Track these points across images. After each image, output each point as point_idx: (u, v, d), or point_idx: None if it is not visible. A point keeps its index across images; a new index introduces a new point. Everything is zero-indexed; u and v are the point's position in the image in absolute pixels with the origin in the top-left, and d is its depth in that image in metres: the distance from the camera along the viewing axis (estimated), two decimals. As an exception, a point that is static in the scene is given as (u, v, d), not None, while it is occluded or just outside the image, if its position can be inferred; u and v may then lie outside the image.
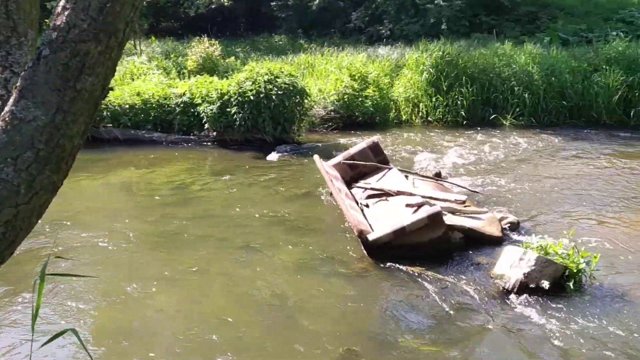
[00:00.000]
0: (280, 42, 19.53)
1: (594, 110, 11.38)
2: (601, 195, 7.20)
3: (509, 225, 5.90)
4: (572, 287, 4.63)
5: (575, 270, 4.70)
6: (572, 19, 18.39)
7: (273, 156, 9.34)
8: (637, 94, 11.13)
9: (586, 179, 7.86)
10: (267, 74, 9.76)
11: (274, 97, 9.50)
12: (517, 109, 11.36)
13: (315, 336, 4.19)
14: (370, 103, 11.50)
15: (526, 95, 11.31)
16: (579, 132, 10.75)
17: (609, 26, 16.71)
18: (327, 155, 8.07)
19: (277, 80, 9.70)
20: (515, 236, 5.76)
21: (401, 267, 5.14)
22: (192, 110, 10.43)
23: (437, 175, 7.52)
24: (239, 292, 4.83)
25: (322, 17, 21.73)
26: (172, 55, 14.54)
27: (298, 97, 9.94)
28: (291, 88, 9.77)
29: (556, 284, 4.66)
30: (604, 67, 11.54)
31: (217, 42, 14.44)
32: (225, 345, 4.01)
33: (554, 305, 4.46)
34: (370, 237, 5.20)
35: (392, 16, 19.61)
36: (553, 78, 11.49)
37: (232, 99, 9.72)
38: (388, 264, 5.19)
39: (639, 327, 4.18)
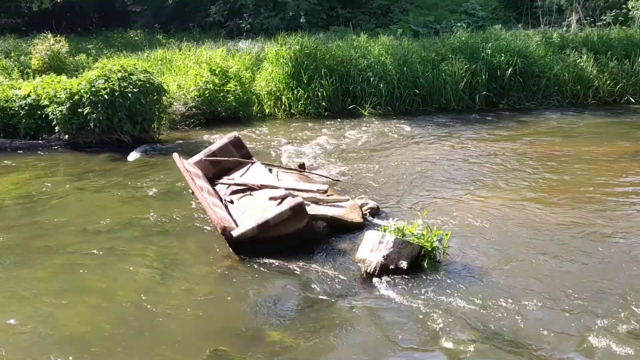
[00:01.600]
0: (136, 38, 18.77)
1: (443, 97, 12.14)
2: (454, 176, 7.67)
3: (369, 210, 6.11)
4: (427, 265, 4.90)
5: (429, 249, 4.97)
6: (422, 11, 19.53)
7: (132, 157, 8.94)
8: (479, 80, 12.02)
9: (440, 162, 8.34)
10: (120, 71, 9.29)
11: (129, 95, 9.07)
12: (375, 99, 11.82)
13: (182, 340, 4.06)
14: (232, 98, 11.39)
15: (382, 85, 11.80)
16: (432, 118, 11.41)
17: (454, 18, 17.95)
18: (189, 153, 7.85)
19: (132, 77, 9.27)
20: (375, 221, 5.97)
21: (267, 261, 5.13)
22: (39, 112, 9.68)
23: (301, 167, 7.60)
24: (96, 304, 4.55)
25: (179, 12, 21.16)
26: (12, 54, 13.37)
27: (155, 94, 9.59)
28: (147, 85, 9.40)
29: (414, 263, 4.90)
30: (450, 56, 12.33)
31: (63, 38, 13.49)
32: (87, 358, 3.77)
33: (412, 284, 4.68)
34: (235, 233, 5.14)
35: (251, 10, 19.57)
36: (405, 68, 12.08)
37: (83, 99, 9.13)
38: (254, 259, 5.16)
39: (489, 297, 4.49)
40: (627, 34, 13.13)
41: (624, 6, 14.45)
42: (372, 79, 11.86)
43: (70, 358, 3.80)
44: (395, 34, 15.09)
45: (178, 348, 3.95)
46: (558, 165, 8.02)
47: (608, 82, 12.37)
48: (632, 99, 12.22)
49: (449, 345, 3.92)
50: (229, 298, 4.66)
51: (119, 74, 9.25)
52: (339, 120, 11.42)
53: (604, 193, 6.84)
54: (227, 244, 5.31)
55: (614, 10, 14.37)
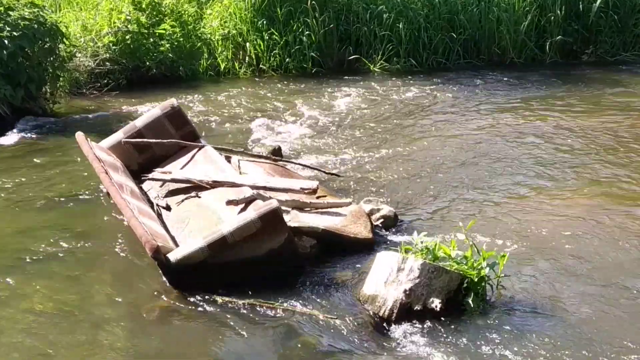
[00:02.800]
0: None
1: (496, 44, 12.15)
2: (511, 166, 7.69)
3: (382, 220, 6.11)
4: (473, 304, 4.90)
5: (476, 279, 4.96)
6: None
7: (11, 137, 8.90)
8: (552, 18, 12.05)
9: (490, 146, 8.36)
10: (-7, 5, 9.24)
11: (6, 42, 9.00)
12: (389, 47, 11.80)
13: None
14: (168, 46, 11.34)
15: (400, 25, 11.78)
16: (478, 76, 11.44)
17: None
18: (102, 132, 7.84)
19: (10, 14, 9.20)
20: (391, 236, 5.99)
21: (224, 299, 5.10)
22: None
23: (276, 153, 7.60)
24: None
25: None
26: None
27: (48, 40, 9.52)
28: (35, 26, 9.33)
29: (452, 301, 4.90)
30: (506, -19, 12.38)
31: None
32: None
33: (449, 336, 4.67)
34: (172, 256, 5.11)
35: None
36: (437, 0, 12.09)
37: None
38: (203, 296, 5.14)
39: (567, 349, 4.52)
40: None
41: None
42: (385, 16, 11.84)
43: None
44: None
45: None
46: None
47: None
48: None
49: None
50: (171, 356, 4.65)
51: (-9, 10, 9.20)
52: (334, 80, 11.42)
53: None
54: (162, 272, 5.30)
55: None
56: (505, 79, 11.27)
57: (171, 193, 6.30)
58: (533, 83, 11.08)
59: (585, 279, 5.38)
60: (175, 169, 6.69)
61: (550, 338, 4.68)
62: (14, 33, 9.07)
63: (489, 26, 12.14)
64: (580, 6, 12.17)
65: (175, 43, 11.53)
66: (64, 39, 10.02)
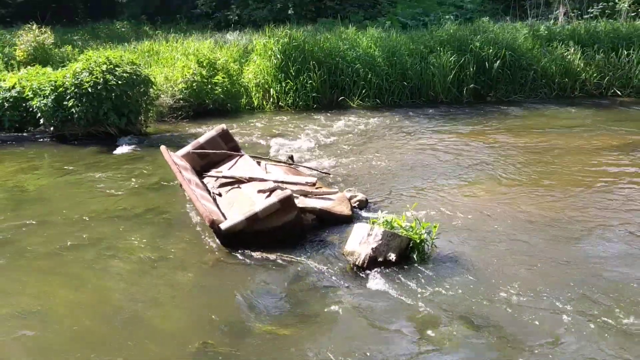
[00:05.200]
0: (123, 29, 18.59)
1: (432, 89, 12.15)
2: (443, 169, 7.70)
3: (358, 203, 6.12)
4: (416, 257, 4.92)
5: (418, 241, 4.98)
6: (410, 3, 19.51)
7: (119, 150, 8.88)
8: (467, 73, 12.04)
9: (429, 155, 8.36)
10: (105, 63, 9.20)
11: (114, 87, 8.98)
12: (363, 91, 11.81)
13: (169, 333, 4.05)
14: (220, 90, 11.33)
15: (370, 77, 11.79)
16: (420, 110, 11.42)
17: (442, 10, 17.95)
18: (177, 146, 7.83)
19: (117, 69, 9.18)
20: (364, 213, 5.99)
21: (256, 254, 5.13)
22: (24, 104, 9.58)
23: (290, 160, 7.60)
24: (85, 298, 4.53)
25: (167, 3, 21.02)
26: (-4, 45, 13.22)
27: (142, 86, 9.51)
28: (134, 77, 9.32)
29: (402, 255, 4.92)
30: (438, 48, 12.33)
31: (49, 29, 13.33)
32: (74, 353, 3.75)
33: (401, 276, 4.70)
34: (223, 226, 5.12)
35: (239, 1, 19.46)
36: (394, 60, 12.07)
37: (68, 91, 9.04)
38: (243, 252, 5.15)
39: (476, 289, 4.53)
40: (614, 27, 13.20)
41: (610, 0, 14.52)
42: (360, 71, 11.84)
43: (56, 354, 3.78)
44: (384, 26, 15.08)
45: (166, 342, 3.94)
46: (546, 159, 8.06)
47: (595, 74, 12.44)
48: (618, 92, 12.30)
49: (436, 336, 3.95)
50: (217, 291, 4.66)
51: (104, 66, 9.16)
52: (327, 112, 11.41)
53: (592, 186, 6.89)
54: (216, 237, 5.31)
55: (601, 4, 14.43)
56: (437, 113, 11.26)
57: (222, 185, 6.30)
58: (455, 115, 11.06)
59: (491, 241, 5.39)
60: (225, 170, 6.69)
61: (467, 277, 4.71)
62: (120, 82, 9.06)
63: (427, 78, 12.13)
64: (486, 65, 12.14)
65: (225, 88, 11.53)
66: (153, 85, 10.01)
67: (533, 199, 6.47)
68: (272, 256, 5.09)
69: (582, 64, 12.54)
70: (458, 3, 18.83)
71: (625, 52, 12.42)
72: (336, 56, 12.09)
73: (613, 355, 3.70)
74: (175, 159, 6.47)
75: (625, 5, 14.14)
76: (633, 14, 13.94)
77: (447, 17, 15.78)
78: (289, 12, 18.12)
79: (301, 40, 12.13)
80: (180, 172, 6.00)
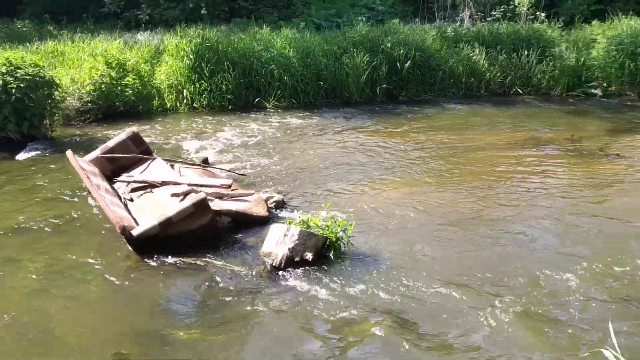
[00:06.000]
0: (24, 29, 17.59)
1: (346, 89, 12.32)
2: (358, 167, 7.81)
3: (274, 204, 6.11)
4: (332, 255, 4.96)
5: (334, 240, 5.03)
6: (324, 5, 19.69)
7: (22, 155, 8.40)
8: (380, 73, 12.30)
9: (344, 154, 8.46)
10: (4, 65, 8.66)
11: (14, 90, 8.47)
12: (279, 92, 11.79)
13: (81, 345, 3.87)
14: (131, 91, 10.95)
15: (285, 78, 11.79)
16: (335, 110, 11.55)
17: (354, 12, 18.25)
18: (85, 150, 7.49)
19: (18, 71, 8.67)
20: (281, 214, 5.98)
21: (171, 259, 5.00)
22: None
23: (204, 162, 7.48)
24: (-16, 314, 4.24)
25: (72, 1, 20.08)
26: None
27: (46, 88, 9.04)
28: (37, 79, 8.83)
29: (319, 254, 4.95)
30: (351, 49, 12.52)
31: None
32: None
33: (318, 275, 4.73)
34: (135, 232, 4.96)
35: (149, 1, 18.92)
36: (309, 61, 12.14)
37: (-37, 95, 8.46)
38: (157, 258, 5.01)
39: (392, 283, 4.63)
40: (514, 29, 13.90)
41: (511, 2, 15.26)
42: (275, 72, 11.81)
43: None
44: (298, 26, 15.12)
45: (77, 354, 3.77)
46: (457, 155, 8.37)
47: (498, 74, 13.06)
48: (519, 90, 12.97)
49: (355, 332, 4.01)
50: (130, 300, 4.50)
51: (4, 68, 8.63)
52: (243, 113, 11.30)
53: (498, 180, 7.23)
54: (128, 244, 5.13)
55: (502, 7, 15.15)
56: (352, 112, 11.41)
57: (133, 190, 6.09)
58: (369, 114, 11.26)
59: (406, 236, 5.53)
60: (136, 174, 6.48)
61: (383, 273, 4.80)
62: (21, 84, 8.56)
63: (341, 78, 12.28)
64: (398, 65, 12.44)
65: (136, 90, 11.16)
66: (58, 88, 9.53)
67: (446, 195, 6.70)
68: (187, 261, 4.98)
69: (486, 64, 13.13)
70: (370, 5, 19.20)
71: (525, 53, 13.11)
72: (251, 57, 12.00)
73: (525, 344, 3.90)
74: (83, 164, 6.19)
75: (524, 9, 14.93)
76: (531, 17, 14.74)
77: (359, 18, 16.05)
78: (202, 12, 17.81)
79: (214, 41, 11.95)
80: (88, 177, 5.75)
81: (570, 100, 12.40)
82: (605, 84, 12.73)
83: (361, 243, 5.34)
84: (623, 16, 14.08)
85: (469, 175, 7.45)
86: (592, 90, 12.69)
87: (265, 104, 11.77)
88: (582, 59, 12.92)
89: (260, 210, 5.77)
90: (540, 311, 4.25)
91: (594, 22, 14.50)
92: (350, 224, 5.18)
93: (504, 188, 6.94)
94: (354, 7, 19.31)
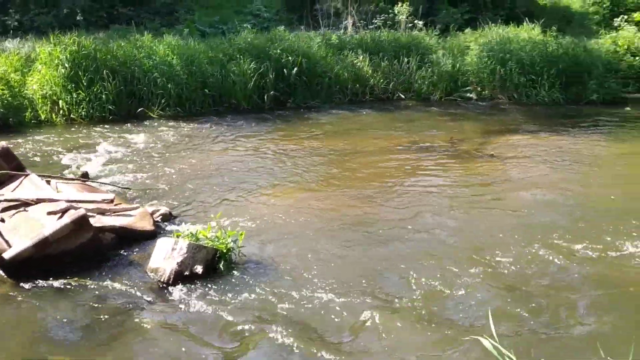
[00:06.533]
0: None
1: (233, 97, 12.21)
2: (247, 176, 7.76)
3: (161, 217, 5.93)
4: (223, 267, 4.90)
5: (225, 251, 4.98)
6: (208, 11, 19.43)
7: None
8: (267, 80, 12.33)
9: (233, 163, 8.38)
10: None
11: None
12: (163, 100, 11.46)
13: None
14: (-1, 103, 10.19)
15: (169, 86, 11.49)
16: (223, 118, 11.41)
17: (240, 19, 18.18)
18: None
19: None
20: (168, 227, 5.81)
21: (51, 281, 4.71)
22: None
23: (84, 176, 7.10)
24: None
25: None
26: None
27: None
28: None
29: (210, 267, 4.87)
30: (238, 56, 12.45)
31: None
32: None
33: (209, 288, 4.66)
34: (6, 255, 4.62)
35: (18, 5, 17.69)
36: (194, 68, 11.92)
37: None
38: (35, 281, 4.69)
39: (284, 290, 4.66)
40: (395, 36, 14.50)
41: (390, 11, 15.90)
42: (158, 80, 11.47)
43: None
44: (182, 33, 14.80)
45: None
46: (344, 159, 8.58)
47: (382, 80, 13.53)
48: (402, 95, 13.52)
49: (247, 342, 4.00)
50: (9, 328, 4.19)
51: None
52: (126, 124, 10.85)
53: (385, 182, 7.49)
54: (0, 269, 4.76)
55: (382, 15, 15.75)
56: (240, 120, 11.31)
57: (4, 210, 5.65)
58: (257, 121, 11.23)
59: (298, 243, 5.58)
60: (8, 192, 6.03)
61: (275, 281, 4.82)
62: None
63: (228, 86, 12.16)
64: (285, 72, 12.53)
65: (5, 101, 10.40)
66: None
67: (337, 199, 6.84)
68: (69, 282, 4.71)
69: (370, 71, 13.57)
70: (255, 12, 19.20)
71: (406, 60, 13.70)
72: (132, 65, 11.57)
73: (412, 341, 4.06)
74: (-56, 183, 5.67)
75: (404, 17, 15.63)
76: (410, 25, 15.44)
77: (244, 25, 16.00)
78: (78, 18, 16.92)
79: (92, 48, 11.40)
80: (-50, 198, 5.28)
81: (448, 104, 13.12)
82: (479, 88, 13.58)
83: (253, 252, 5.32)
84: (492, 25, 15.16)
85: (358, 179, 7.66)
86: (468, 95, 13.51)
87: (149, 114, 11.39)
88: (458, 65, 13.72)
89: (146, 225, 5.58)
90: (427, 307, 4.45)
91: (467, 30, 15.46)
92: (241, 234, 5.15)
93: (391, 190, 7.21)
94: (239, 13, 19.22)
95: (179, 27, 16.48)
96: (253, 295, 4.56)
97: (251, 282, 4.80)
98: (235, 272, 4.95)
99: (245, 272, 4.99)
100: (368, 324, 4.22)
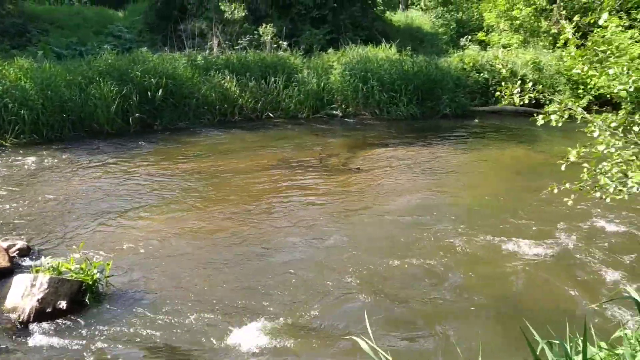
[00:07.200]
0: None
1: (95, 120, 11.64)
2: (113, 203, 7.43)
3: (17, 252, 5.53)
4: (90, 299, 4.66)
5: (91, 282, 4.73)
6: (64, 32, 18.41)
7: None
8: (131, 103, 11.92)
9: (97, 190, 7.98)
10: None
11: None
12: (17, 127, 10.67)
13: None
14: None
15: (23, 111, 10.72)
16: (85, 143, 10.83)
17: (100, 39, 17.44)
18: None
19: None
20: (26, 262, 5.43)
21: None
22: None
23: None
24: None
25: None
26: None
27: None
28: None
29: (75, 300, 4.61)
30: (98, 79, 11.91)
31: None
32: None
33: (75, 323, 4.41)
34: None
35: None
36: (50, 92, 11.22)
37: None
38: None
39: (155, 317, 4.53)
40: (260, 57, 14.67)
41: (255, 32, 16.07)
42: (10, 105, 10.67)
43: None
44: (36, 56, 13.89)
45: None
46: (215, 180, 8.50)
47: (250, 100, 13.61)
48: (271, 114, 13.68)
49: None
50: None
51: None
52: (-27, 153, 9.95)
53: (258, 200, 7.53)
54: None
55: (248, 36, 15.87)
56: (103, 144, 10.77)
57: None
58: (122, 145, 10.76)
59: (168, 267, 5.43)
60: None
61: (145, 308, 4.68)
62: None
63: (89, 109, 11.57)
64: (149, 94, 12.18)
65: None
66: None
67: (209, 220, 6.76)
68: None
69: (238, 91, 13.59)
70: (115, 33, 18.52)
71: (273, 79, 13.91)
72: (-22, 90, 10.67)
73: (290, 351, 4.10)
74: None
75: (268, 38, 15.86)
76: (275, 46, 15.71)
77: (105, 46, 15.38)
78: None
79: None
80: None
81: (316, 121, 13.48)
82: (344, 106, 14.12)
83: (122, 281, 5.12)
84: (353, 45, 15.86)
85: (231, 198, 7.63)
86: (334, 112, 13.99)
87: (1, 142, 10.54)
88: (323, 83, 14.17)
89: (0, 261, 5.15)
90: (305, 316, 4.54)
91: (330, 50, 16.03)
92: (108, 263, 4.94)
93: (264, 207, 7.26)
94: (99, 34, 18.43)
95: (32, 49, 15.46)
96: (123, 326, 4.38)
97: (121, 312, 4.60)
98: (103, 304, 4.73)
99: (115, 302, 4.78)
100: (244, 339, 4.23)
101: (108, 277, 4.91)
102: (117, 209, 7.13)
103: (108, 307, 4.70)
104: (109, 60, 12.69)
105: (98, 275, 4.80)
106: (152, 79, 12.26)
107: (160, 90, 12.25)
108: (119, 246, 5.88)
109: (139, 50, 14.03)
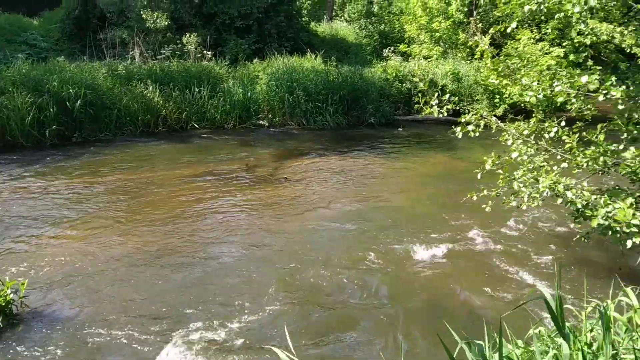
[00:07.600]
0: None
1: (8, 133, 11.09)
2: (29, 219, 7.10)
3: None
4: (2, 321, 4.43)
5: (3, 304, 4.49)
6: (-28, 40, 17.44)
7: None
8: (48, 114, 11.42)
9: (10, 206, 7.59)
10: None
11: None
12: None
13: None
14: None
15: None
16: (-3, 157, 10.30)
17: (13, 48, 16.64)
18: None
19: None
20: None
21: None
22: None
23: None
24: None
25: None
26: None
27: None
28: None
29: (-14, 323, 4.36)
30: (10, 89, 11.35)
31: None
32: None
33: (-14, 348, 4.15)
34: None
35: None
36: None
37: None
38: None
39: (73, 335, 4.34)
40: (184, 66, 14.44)
41: (179, 42, 15.82)
42: None
43: None
44: (-60, 65, 13.09)
45: None
46: (138, 193, 8.27)
47: (174, 110, 13.36)
48: (196, 125, 13.48)
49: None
50: None
51: None
52: None
53: (183, 212, 7.38)
54: None
55: (171, 45, 15.60)
56: (16, 158, 10.28)
57: None
58: (38, 159, 10.29)
59: (88, 283, 5.23)
60: None
61: (63, 328, 4.49)
62: None
63: (1, 122, 10.98)
64: (68, 105, 11.72)
65: None
66: None
67: (131, 234, 6.58)
68: None
69: (161, 101, 13.31)
70: (30, 41, 17.72)
71: (197, 89, 13.72)
72: None
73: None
74: None
75: (192, 48, 15.65)
76: (199, 55, 15.52)
77: (18, 55, 14.68)
78: None
79: None
80: None
81: (242, 132, 13.40)
82: (270, 116, 14.12)
83: (39, 301, 4.89)
84: (278, 55, 15.91)
85: (155, 212, 7.45)
86: (260, 122, 13.96)
87: None
88: (249, 93, 14.12)
89: None
90: (227, 326, 4.49)
91: (255, 60, 16.00)
92: (23, 283, 4.70)
93: (189, 220, 7.13)
94: (12, 43, 17.57)
95: None
96: (37, 350, 4.18)
97: (36, 334, 4.39)
98: (17, 327, 4.51)
99: (30, 323, 4.56)
100: (163, 355, 4.12)
101: (23, 297, 4.67)
102: (34, 226, 6.81)
103: (22, 328, 4.48)
104: (23, 70, 12.13)
105: (12, 296, 4.56)
106: (71, 90, 11.81)
107: (79, 101, 11.81)
108: (37, 264, 5.62)
109: (55, 60, 13.49)
